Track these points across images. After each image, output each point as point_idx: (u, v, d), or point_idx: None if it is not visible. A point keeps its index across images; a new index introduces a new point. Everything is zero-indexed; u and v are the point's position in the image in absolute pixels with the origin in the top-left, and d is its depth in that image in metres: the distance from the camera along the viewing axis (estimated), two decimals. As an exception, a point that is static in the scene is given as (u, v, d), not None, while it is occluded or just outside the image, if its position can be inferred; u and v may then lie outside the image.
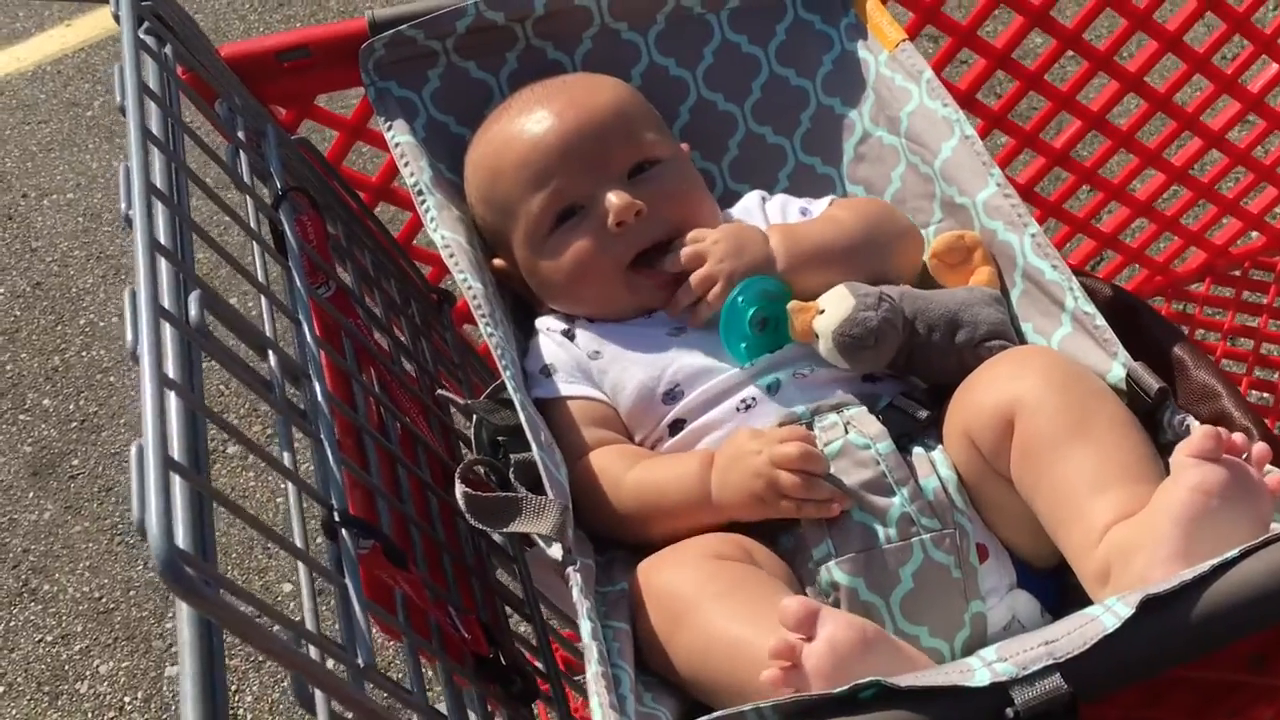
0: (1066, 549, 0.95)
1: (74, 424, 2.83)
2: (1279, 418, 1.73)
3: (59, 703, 2.35)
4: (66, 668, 2.39)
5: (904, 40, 1.28)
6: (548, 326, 1.23)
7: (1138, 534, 0.87)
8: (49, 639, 2.44)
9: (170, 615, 2.46)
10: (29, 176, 3.45)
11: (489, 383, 1.56)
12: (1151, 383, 1.00)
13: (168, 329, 0.84)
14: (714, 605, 0.95)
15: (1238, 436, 0.88)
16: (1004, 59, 1.52)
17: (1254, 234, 1.90)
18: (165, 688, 2.34)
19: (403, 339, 1.32)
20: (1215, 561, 0.78)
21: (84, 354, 2.97)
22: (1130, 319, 1.28)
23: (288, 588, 2.49)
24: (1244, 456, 0.88)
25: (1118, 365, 1.04)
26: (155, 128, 1.00)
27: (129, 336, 0.78)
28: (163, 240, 0.91)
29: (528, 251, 1.23)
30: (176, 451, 0.78)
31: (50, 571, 2.55)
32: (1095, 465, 0.92)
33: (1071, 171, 1.68)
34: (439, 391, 1.13)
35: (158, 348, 0.77)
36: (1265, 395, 1.78)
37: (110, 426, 2.80)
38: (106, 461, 2.74)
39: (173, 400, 0.80)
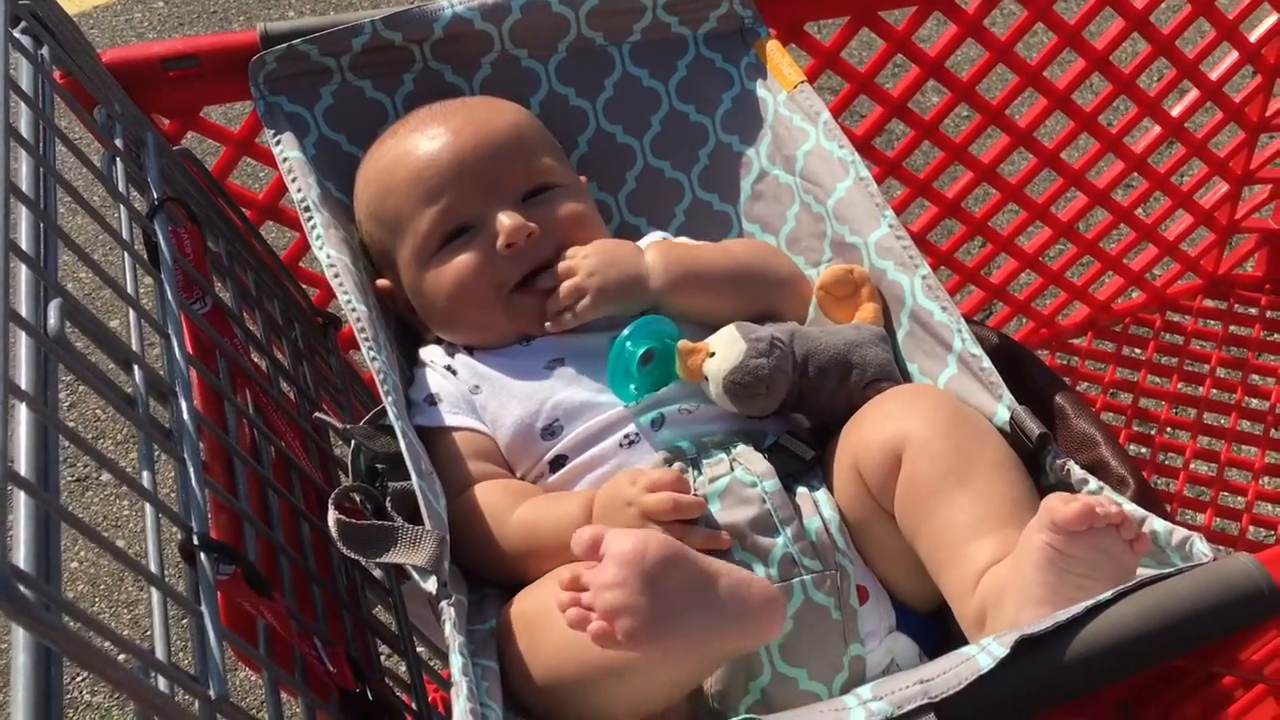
0: (947, 592, 0.95)
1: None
2: (1155, 470, 1.77)
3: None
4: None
5: (802, 81, 1.29)
6: (431, 359, 1.20)
7: (1006, 578, 0.88)
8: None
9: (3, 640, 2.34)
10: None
11: (371, 409, 1.52)
12: (1033, 428, 1.01)
13: (23, 337, 0.79)
14: None
15: (1109, 509, 0.87)
16: (900, 108, 1.55)
17: (1135, 291, 1.95)
18: None
19: (283, 361, 1.28)
20: (1089, 603, 0.79)
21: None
22: (1015, 366, 1.30)
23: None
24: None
25: (1002, 408, 1.04)
26: (25, 130, 0.95)
27: (-25, 343, 0.73)
28: (24, 245, 0.86)
29: (413, 269, 1.20)
30: (23, 466, 0.73)
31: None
32: (974, 510, 0.93)
33: (963, 222, 1.71)
34: (316, 415, 1.09)
35: (5, 356, 0.73)
36: (1143, 449, 1.82)
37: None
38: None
39: (23, 412, 0.75)
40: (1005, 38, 1.53)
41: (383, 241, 1.23)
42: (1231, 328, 1.95)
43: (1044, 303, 1.95)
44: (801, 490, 1.04)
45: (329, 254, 1.15)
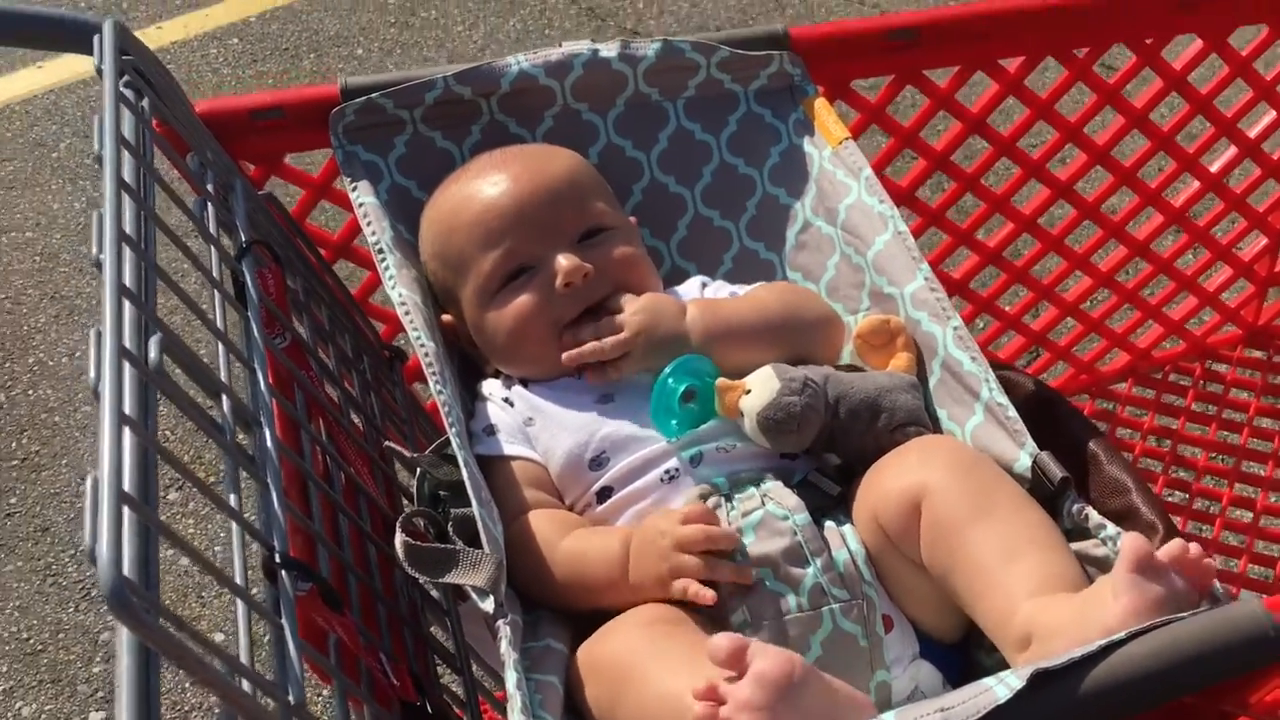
0: (985, 620, 0.99)
1: (14, 462, 2.81)
2: (1191, 517, 1.81)
3: (-23, 744, 2.31)
4: (-12, 708, 2.36)
5: (847, 138, 1.36)
6: (490, 392, 1.28)
7: (1067, 624, 0.90)
8: (-28, 677, 2.41)
9: (98, 660, 2.44)
10: (-11, 213, 3.46)
11: (434, 439, 1.60)
12: (1056, 471, 1.06)
13: (128, 369, 0.88)
14: (653, 664, 0.98)
15: (1171, 549, 0.90)
16: (943, 160, 1.61)
17: (1175, 340, 1.99)
18: (87, 733, 2.32)
19: (353, 392, 1.36)
20: (1104, 641, 0.83)
21: (30, 392, 2.97)
22: (1049, 412, 1.35)
23: (219, 638, 2.48)
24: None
25: (1024, 454, 1.09)
26: (128, 176, 1.04)
27: (91, 374, 0.82)
28: (129, 284, 0.95)
29: (475, 307, 1.28)
30: (129, 485, 0.82)
31: (-22, 609, 2.52)
32: (1003, 538, 0.98)
33: (1004, 271, 1.76)
34: (386, 443, 1.17)
35: (119, 386, 0.81)
36: (1181, 495, 1.86)
37: (51, 467, 2.79)
38: (45, 502, 2.72)
39: (128, 437, 0.83)
40: (1046, 95, 1.59)
41: (446, 280, 1.31)
42: (1271, 377, 1.98)
43: (1084, 349, 1.99)
44: (829, 524, 1.10)
45: (401, 293, 1.24)
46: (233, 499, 0.95)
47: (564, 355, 1.22)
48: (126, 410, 0.86)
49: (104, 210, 0.94)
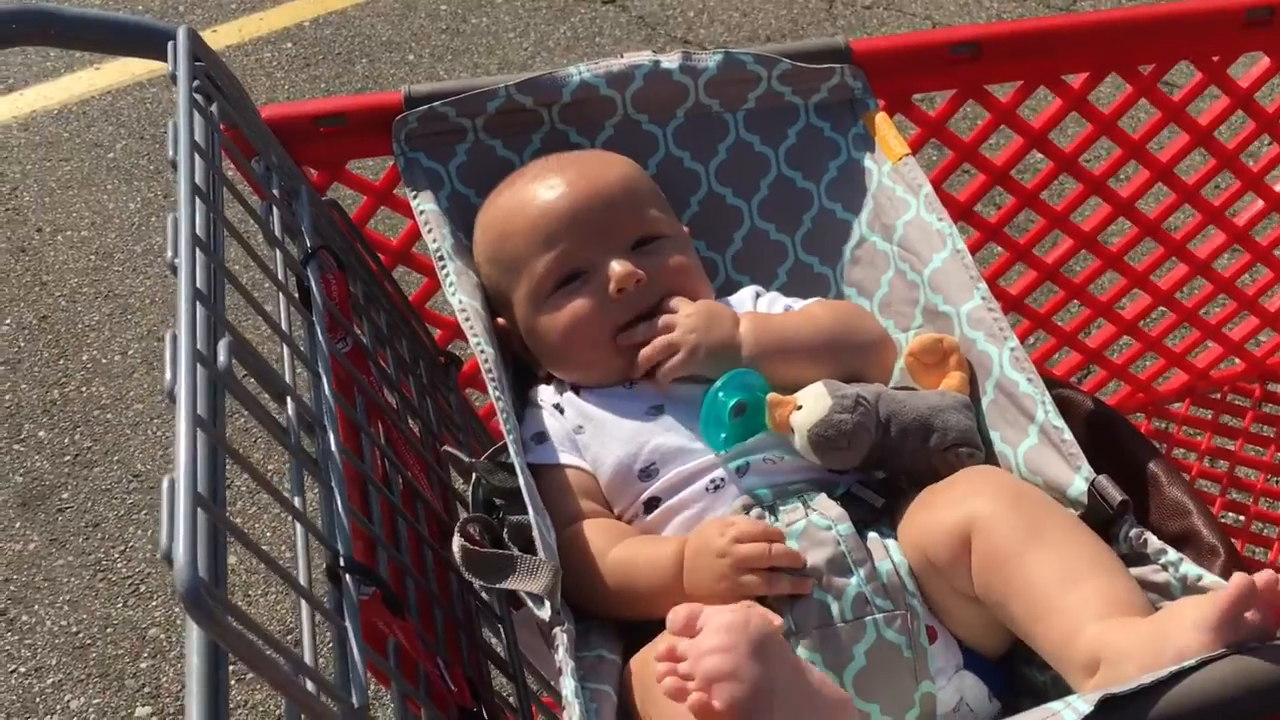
0: (1045, 643, 0.97)
1: (67, 458, 2.85)
2: (1249, 540, 1.78)
3: (27, 735, 2.35)
4: (37, 700, 2.40)
5: (907, 154, 1.35)
6: (541, 398, 1.29)
7: (1138, 648, 0.88)
8: (22, 670, 2.45)
9: (145, 655, 2.47)
10: (46, 212, 3.52)
11: (486, 445, 1.61)
12: (1115, 494, 1.04)
13: (200, 371, 0.89)
14: None
15: (1265, 579, 0.87)
16: (1002, 176, 1.60)
17: (1235, 359, 1.97)
18: (134, 729, 2.35)
19: (410, 397, 1.37)
20: (1174, 668, 0.82)
21: (83, 389, 3.01)
22: (1108, 432, 1.34)
23: (274, 629, 2.50)
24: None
25: (1079, 479, 1.08)
26: (199, 180, 1.06)
27: (168, 377, 0.83)
28: (200, 287, 0.96)
29: (527, 310, 1.29)
30: (202, 487, 0.82)
31: (30, 603, 2.56)
32: (1062, 562, 0.97)
33: (1062, 287, 1.75)
34: (445, 447, 1.18)
35: (194, 389, 0.82)
36: (1239, 517, 1.83)
37: (103, 463, 2.83)
38: (97, 498, 2.76)
39: (201, 439, 0.84)
40: (1109, 111, 1.58)
41: (500, 283, 1.32)
42: (1332, 400, 1.95)
43: (1141, 367, 1.97)
44: (873, 536, 1.10)
45: (461, 299, 1.24)
46: (297, 501, 0.96)
47: (640, 355, 1.22)
48: (200, 412, 0.88)
49: (179, 214, 0.96)
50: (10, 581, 2.59)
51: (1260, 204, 1.74)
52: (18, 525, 2.70)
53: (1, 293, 3.29)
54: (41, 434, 2.90)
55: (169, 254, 0.93)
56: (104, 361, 3.07)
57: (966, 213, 1.61)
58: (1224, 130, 1.65)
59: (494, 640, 1.28)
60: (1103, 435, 1.27)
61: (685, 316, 1.24)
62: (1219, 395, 1.95)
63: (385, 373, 1.32)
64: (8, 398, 3.00)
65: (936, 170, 1.56)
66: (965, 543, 1.02)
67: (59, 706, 2.39)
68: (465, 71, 3.82)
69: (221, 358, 0.94)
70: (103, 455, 2.84)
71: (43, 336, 3.15)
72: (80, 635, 2.52)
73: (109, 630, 2.51)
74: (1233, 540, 1.30)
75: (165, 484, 0.75)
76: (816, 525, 1.09)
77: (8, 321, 3.20)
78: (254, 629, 0.78)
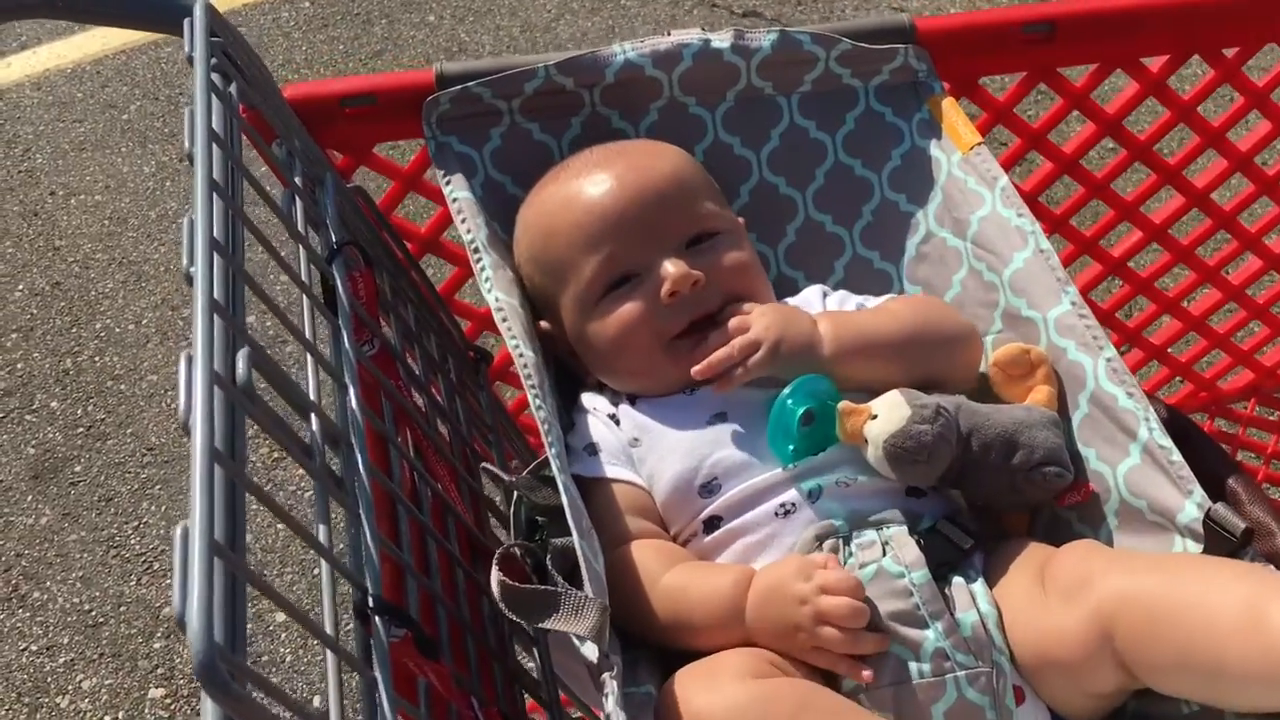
0: (1243, 672, 0.85)
1: (80, 430, 2.79)
2: (1318, 550, 1.69)
3: (38, 715, 2.29)
4: (49, 680, 2.35)
5: (979, 143, 1.26)
6: (594, 406, 1.19)
7: None
8: (34, 648, 2.40)
9: (159, 635, 2.41)
10: (59, 174, 3.44)
11: (519, 445, 1.53)
12: (1237, 522, 0.96)
13: (218, 394, 0.80)
14: None
15: None
16: (1071, 164, 1.50)
17: (1303, 358, 1.87)
18: (147, 710, 2.29)
19: (439, 399, 1.29)
20: None
21: (97, 359, 2.94)
22: (1182, 444, 1.25)
23: (280, 617, 2.44)
24: None
25: (1191, 504, 1.00)
26: (217, 173, 0.97)
27: (181, 404, 0.75)
28: (216, 291, 0.88)
29: (575, 316, 1.20)
30: (219, 532, 0.74)
31: (41, 579, 2.51)
32: (1239, 597, 0.86)
33: (1128, 281, 1.65)
34: (484, 465, 1.09)
35: (210, 419, 0.74)
36: (1306, 526, 1.74)
37: (116, 435, 2.77)
38: (109, 471, 2.70)
39: (219, 474, 0.76)
40: (1189, 96, 1.47)
41: (544, 286, 1.23)
42: (1405, 401, 1.85)
43: (1203, 365, 1.87)
44: (958, 580, 1.01)
45: (497, 297, 1.15)
46: (322, 532, 0.88)
47: (694, 370, 1.12)
48: (218, 443, 0.79)
49: (195, 215, 0.87)
50: (22, 557, 2.54)
51: (1344, 196, 1.63)
52: (29, 499, 2.65)
53: (15, 258, 3.21)
54: (54, 404, 2.84)
55: (184, 261, 0.84)
56: (118, 331, 3.00)
57: (1031, 203, 1.50)
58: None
59: (527, 658, 1.20)
60: (1179, 447, 1.18)
61: (759, 315, 1.14)
62: (1285, 395, 1.86)
63: (413, 374, 1.23)
64: (20, 366, 2.93)
65: (1002, 157, 1.45)
66: (1105, 636, 0.91)
67: (70, 687, 2.34)
68: (486, 34, 3.70)
69: (240, 370, 0.86)
70: (116, 428, 2.78)
71: (55, 304, 3.08)
72: (93, 613, 2.47)
73: (122, 609, 2.45)
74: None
75: (178, 534, 0.67)
76: (888, 571, 1.00)
77: (20, 288, 3.13)
78: (277, 695, 0.70)
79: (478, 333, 1.53)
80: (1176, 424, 1.31)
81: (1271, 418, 1.84)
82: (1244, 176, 1.57)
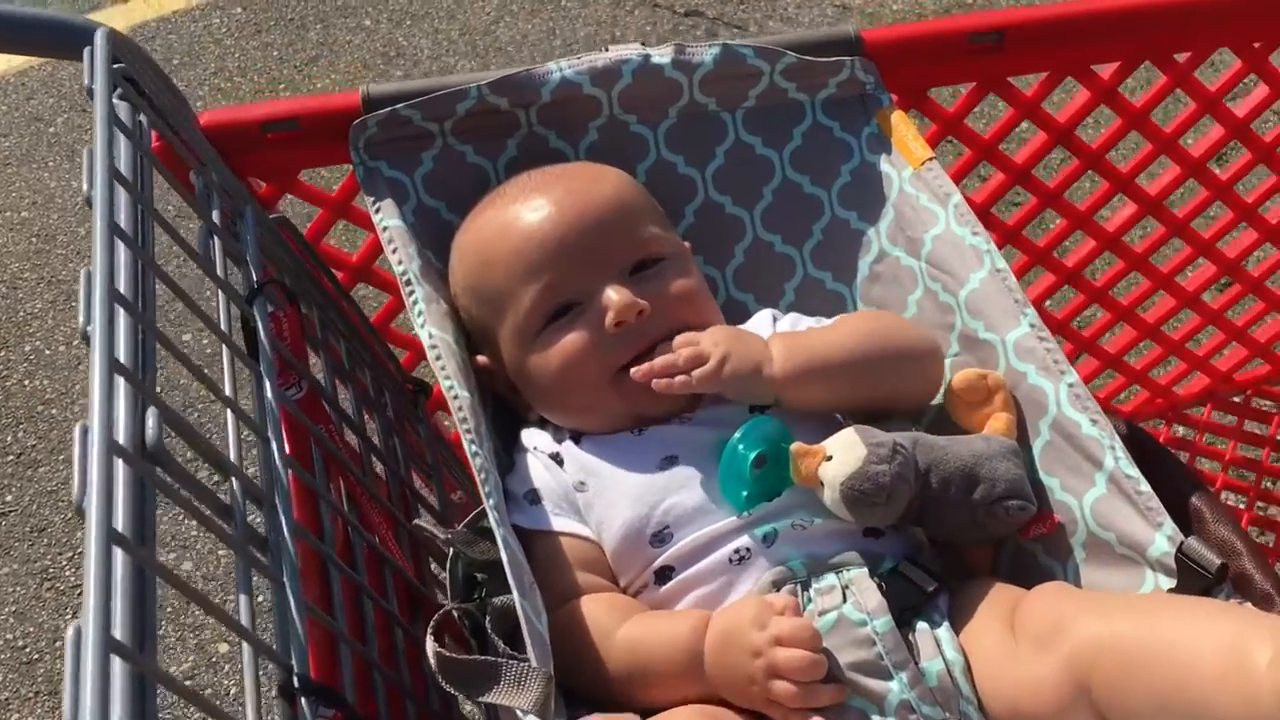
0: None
1: (9, 457, 2.68)
2: (1279, 557, 1.67)
3: (-29, 758, 2.20)
4: (-18, 722, 2.25)
5: (931, 158, 1.21)
6: (535, 445, 1.13)
7: None
8: (-35, 688, 2.30)
9: (97, 671, 2.32)
10: (-17, 191, 3.32)
11: (461, 477, 1.47)
12: (1211, 558, 0.91)
13: (121, 468, 0.74)
14: None
15: None
16: (1023, 175, 1.46)
17: (1258, 361, 1.85)
18: (86, 752, 2.20)
19: (374, 439, 1.23)
20: None
21: (26, 383, 2.83)
22: (1144, 461, 1.22)
23: (224, 648, 2.36)
24: None
25: (1161, 537, 0.95)
26: (124, 216, 0.90)
27: (76, 484, 0.68)
28: (123, 350, 0.81)
29: (515, 348, 1.14)
30: (119, 627, 0.68)
31: (-28, 616, 2.41)
32: (1211, 662, 0.81)
33: (1082, 290, 1.62)
34: (416, 521, 1.03)
35: (109, 501, 0.67)
36: (1268, 534, 1.72)
37: (48, 463, 2.66)
38: (41, 500, 2.60)
39: (119, 556, 0.70)
40: (1141, 103, 1.44)
41: (482, 317, 1.16)
42: (1361, 403, 1.84)
43: (1160, 371, 1.85)
44: (921, 626, 0.96)
45: (431, 332, 1.09)
46: (244, 610, 0.82)
47: (634, 371, 1.06)
48: (119, 516, 0.73)
49: (93, 267, 0.80)
50: (-49, 594, 2.44)
51: (1296, 199, 1.61)
52: (-43, 532, 2.54)
53: (-64, 279, 3.09)
54: (-19, 433, 2.73)
55: (81, 319, 0.77)
56: (48, 353, 2.89)
57: (983, 214, 1.47)
58: (1263, 123, 1.52)
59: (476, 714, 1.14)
60: (1139, 464, 1.14)
61: (709, 334, 1.09)
62: (1241, 399, 1.84)
63: (346, 415, 1.17)
64: (-56, 394, 2.82)
65: (952, 169, 1.41)
66: (1081, 686, 0.86)
67: (4, 728, 2.25)
68: (424, 38, 3.62)
69: (150, 431, 0.80)
70: (48, 454, 2.67)
71: (-19, 327, 2.96)
72: (27, 649, 2.37)
73: (58, 644, 2.36)
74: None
75: (70, 634, 0.61)
76: (850, 619, 0.94)
77: (-57, 311, 3.01)
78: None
79: (416, 363, 1.47)
80: (1136, 439, 1.27)
81: (1225, 421, 1.82)
82: (1197, 182, 1.54)
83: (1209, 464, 1.79)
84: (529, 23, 3.65)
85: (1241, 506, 1.72)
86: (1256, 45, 1.41)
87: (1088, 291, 1.62)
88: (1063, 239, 1.55)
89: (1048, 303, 1.65)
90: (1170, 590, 0.95)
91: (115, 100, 0.99)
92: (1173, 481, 1.24)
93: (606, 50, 1.24)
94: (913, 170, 1.22)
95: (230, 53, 3.65)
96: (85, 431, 0.71)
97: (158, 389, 0.82)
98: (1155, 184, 1.54)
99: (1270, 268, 1.70)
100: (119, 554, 0.69)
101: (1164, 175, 1.54)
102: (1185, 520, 1.21)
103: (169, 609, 2.38)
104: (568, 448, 1.11)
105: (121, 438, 0.75)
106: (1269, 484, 1.77)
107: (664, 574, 1.04)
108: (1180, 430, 1.82)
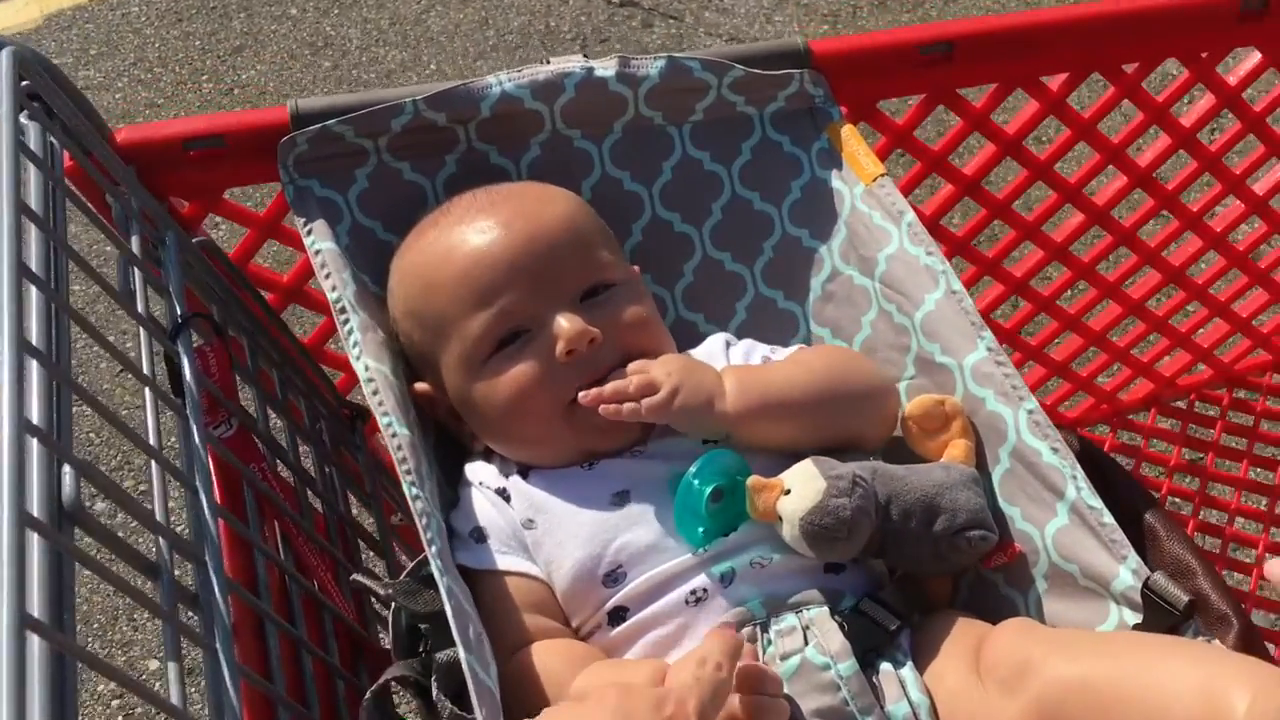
0: None
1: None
2: (1226, 565, 1.68)
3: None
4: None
5: (882, 174, 1.18)
6: (480, 480, 1.08)
7: None
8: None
9: None
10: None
11: (399, 500, 1.41)
12: (1179, 595, 0.89)
13: (35, 540, 0.68)
14: None
15: None
16: (973, 186, 1.44)
17: (1200, 366, 1.86)
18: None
19: (309, 470, 1.17)
20: None
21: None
22: (1096, 478, 1.20)
23: (153, 665, 2.28)
24: None
25: (1126, 571, 0.93)
26: (34, 255, 0.84)
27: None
28: (35, 407, 0.75)
29: (460, 377, 1.08)
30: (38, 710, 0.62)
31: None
32: (1187, 671, 0.79)
33: (1030, 300, 1.60)
34: (354, 576, 0.97)
35: (21, 583, 0.62)
36: (1214, 540, 1.72)
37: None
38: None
39: (35, 642, 0.64)
40: (1089, 114, 1.42)
41: (423, 343, 1.11)
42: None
43: (1104, 378, 1.84)
44: (885, 667, 0.93)
45: (367, 364, 1.03)
46: (173, 672, 0.77)
47: (581, 396, 1.02)
48: (33, 599, 0.67)
49: (0, 315, 0.74)
50: None
51: (1241, 207, 1.61)
52: None
53: None
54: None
55: (-14, 378, 0.71)
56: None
57: (933, 226, 1.45)
58: (1208, 131, 1.51)
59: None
60: (1091, 481, 1.12)
61: (661, 362, 1.04)
62: (1185, 404, 1.84)
63: (280, 448, 1.11)
64: None
65: (902, 180, 1.39)
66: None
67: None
68: (353, 27, 3.52)
69: (66, 490, 0.74)
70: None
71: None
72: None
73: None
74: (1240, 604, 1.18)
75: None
76: (813, 664, 0.91)
77: None
78: None
79: (352, 385, 1.41)
80: (1088, 454, 1.26)
81: (1169, 426, 1.82)
82: (1144, 191, 1.53)
83: (1153, 470, 1.79)
84: (460, 12, 3.57)
85: (1186, 513, 1.72)
86: (1204, 55, 1.40)
87: (1036, 301, 1.61)
88: (1012, 249, 1.53)
89: (995, 312, 1.63)
90: (1136, 625, 0.93)
91: (23, 120, 0.93)
92: (1125, 498, 1.23)
93: (547, 62, 1.19)
94: (865, 187, 1.19)
95: (150, 42, 3.53)
96: (-8, 503, 0.65)
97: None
98: (1101, 194, 1.53)
99: (1213, 274, 1.70)
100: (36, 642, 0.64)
101: (1110, 185, 1.53)
102: (1139, 538, 1.20)
103: (95, 625, 2.29)
104: (515, 483, 1.06)
105: (35, 504, 0.69)
106: (1213, 490, 1.78)
107: (617, 615, 0.99)
108: (1125, 436, 1.82)
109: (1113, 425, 1.81)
